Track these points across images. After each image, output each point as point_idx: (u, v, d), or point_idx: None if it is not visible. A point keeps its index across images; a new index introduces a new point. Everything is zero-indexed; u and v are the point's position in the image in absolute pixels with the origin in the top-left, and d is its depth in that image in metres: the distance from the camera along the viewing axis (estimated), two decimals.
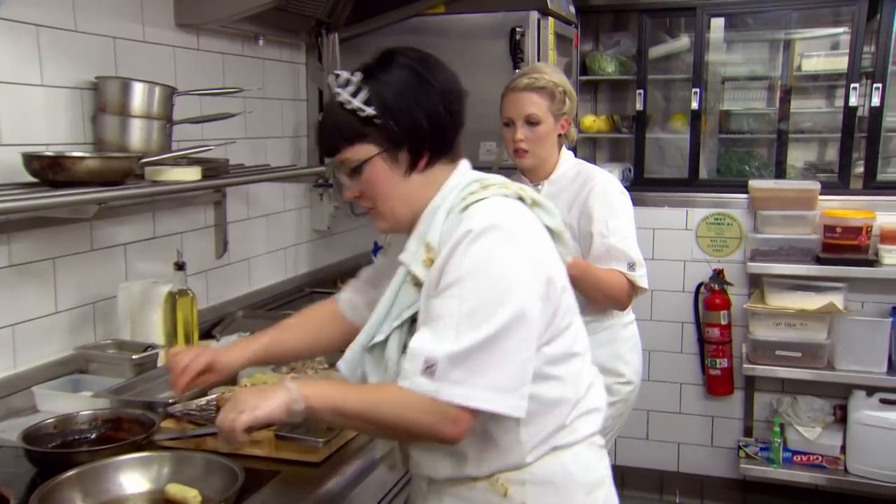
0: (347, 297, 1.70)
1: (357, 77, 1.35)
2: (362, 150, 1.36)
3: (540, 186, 2.38)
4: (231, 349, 1.62)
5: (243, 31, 2.74)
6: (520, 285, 1.27)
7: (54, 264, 2.03)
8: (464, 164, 1.45)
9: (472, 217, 1.31)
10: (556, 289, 1.36)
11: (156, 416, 1.68)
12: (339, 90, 1.35)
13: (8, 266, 1.90)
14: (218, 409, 1.75)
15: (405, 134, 1.35)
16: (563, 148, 2.41)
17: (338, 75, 1.37)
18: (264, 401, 1.26)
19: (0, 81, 1.87)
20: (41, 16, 1.96)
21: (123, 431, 1.66)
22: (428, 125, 1.35)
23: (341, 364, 1.42)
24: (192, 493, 1.39)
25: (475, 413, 1.26)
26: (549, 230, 1.42)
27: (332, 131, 1.38)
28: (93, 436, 1.68)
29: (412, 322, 1.35)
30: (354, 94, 1.33)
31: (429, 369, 1.23)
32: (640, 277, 2.25)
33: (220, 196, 2.64)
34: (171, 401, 1.77)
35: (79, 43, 2.08)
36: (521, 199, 1.40)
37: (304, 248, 3.29)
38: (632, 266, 2.23)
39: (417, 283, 1.34)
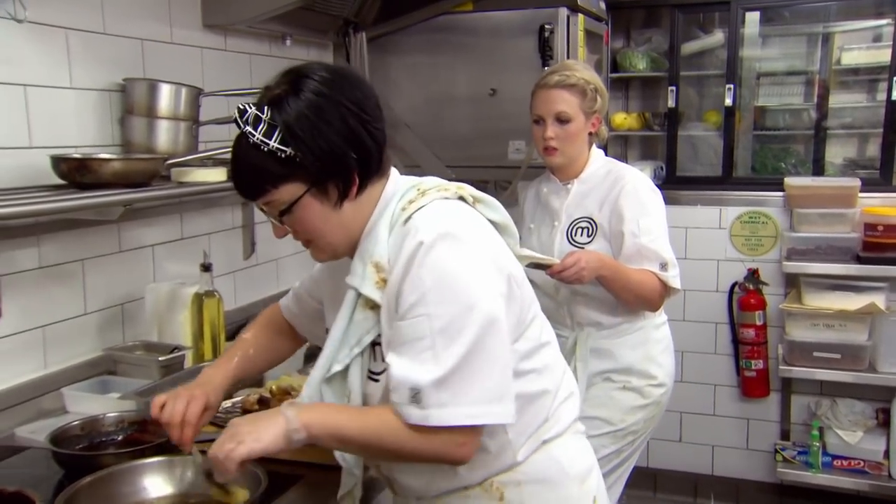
0: (287, 305, 1.67)
1: (266, 113, 1.22)
2: (288, 191, 1.25)
3: (569, 185, 2.34)
4: (211, 380, 1.50)
5: (270, 31, 2.74)
6: (484, 290, 1.22)
7: (83, 266, 2.04)
8: (394, 174, 1.37)
9: (419, 228, 1.24)
10: (517, 284, 1.31)
11: None
12: (249, 129, 1.22)
13: (38, 268, 1.92)
14: (244, 411, 1.75)
15: (331, 168, 1.25)
16: (594, 146, 2.37)
17: (243, 111, 1.23)
18: (263, 431, 1.20)
19: (30, 84, 1.89)
20: (70, 19, 1.97)
21: (149, 434, 1.66)
22: (353, 152, 1.25)
23: (301, 401, 1.35)
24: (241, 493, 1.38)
25: (473, 429, 1.23)
26: (494, 224, 1.38)
27: (252, 176, 1.26)
28: (119, 438, 1.68)
29: (373, 346, 1.31)
30: (268, 135, 1.21)
31: (415, 397, 1.19)
32: (673, 278, 2.20)
33: None
34: None
35: (107, 45, 2.09)
36: (461, 198, 1.35)
37: None
38: (664, 266, 2.18)
39: (373, 306, 1.28)
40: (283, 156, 1.22)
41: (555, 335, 1.47)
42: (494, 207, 1.39)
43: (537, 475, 1.36)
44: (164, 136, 2.08)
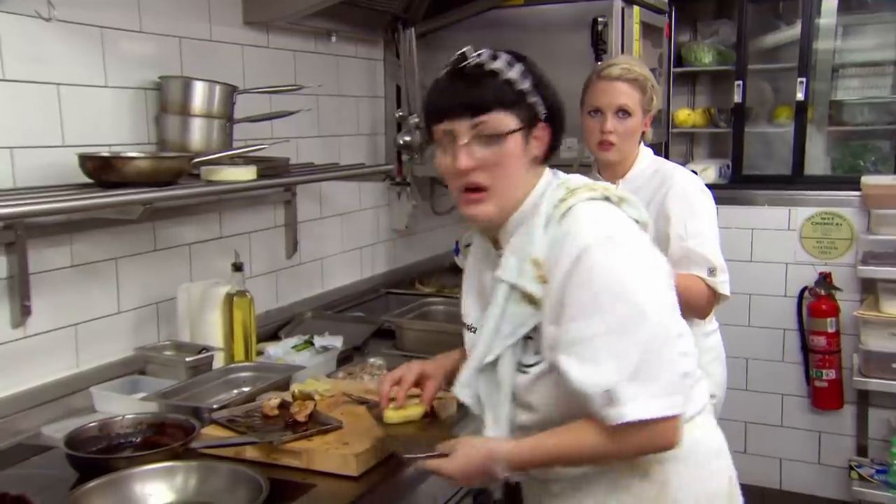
0: None
1: (517, 63, 1.36)
2: (505, 121, 1.34)
3: (615, 186, 2.23)
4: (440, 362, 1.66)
5: (315, 27, 2.71)
6: (650, 290, 1.29)
7: (116, 264, 2.04)
8: (547, 171, 1.44)
9: (580, 231, 1.30)
10: (669, 279, 1.38)
11: (198, 422, 1.64)
12: (486, 60, 1.34)
13: (70, 266, 1.92)
14: (263, 416, 1.71)
15: (549, 115, 1.37)
16: (642, 144, 2.25)
17: (480, 53, 1.36)
18: (474, 479, 1.37)
19: (66, 84, 1.89)
20: (106, 18, 1.97)
21: (166, 436, 1.63)
22: (561, 113, 1.40)
23: (457, 389, 1.44)
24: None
25: (673, 418, 1.27)
26: (637, 223, 1.42)
27: (479, 91, 1.34)
28: (137, 440, 1.65)
29: (525, 339, 1.36)
30: (509, 66, 1.34)
31: (608, 397, 1.24)
32: (722, 283, 2.06)
33: (290, 195, 2.61)
34: (216, 406, 1.74)
35: (144, 43, 2.08)
36: (607, 198, 1.38)
37: (382, 247, 3.24)
38: (712, 271, 2.04)
39: (531, 301, 1.33)
40: (517, 87, 1.33)
41: None
42: (637, 207, 1.42)
43: (680, 453, 1.36)
44: (198, 133, 2.06)
